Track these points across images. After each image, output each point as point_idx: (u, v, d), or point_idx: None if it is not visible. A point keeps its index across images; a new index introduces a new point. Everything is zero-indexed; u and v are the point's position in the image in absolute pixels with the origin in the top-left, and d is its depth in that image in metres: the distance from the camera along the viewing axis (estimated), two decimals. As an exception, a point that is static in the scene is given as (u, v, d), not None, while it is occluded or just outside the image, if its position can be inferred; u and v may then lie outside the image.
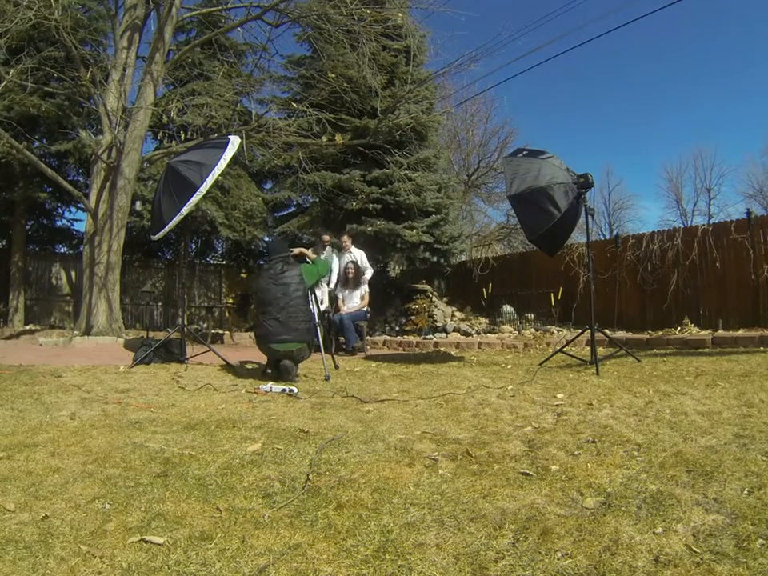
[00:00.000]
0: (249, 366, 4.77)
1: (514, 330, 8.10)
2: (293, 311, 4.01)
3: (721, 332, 6.31)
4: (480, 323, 8.67)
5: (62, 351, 5.88)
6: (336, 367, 4.68)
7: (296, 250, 4.53)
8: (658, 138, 44.35)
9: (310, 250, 4.79)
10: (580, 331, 5.44)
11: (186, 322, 5.23)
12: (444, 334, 8.00)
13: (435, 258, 9.86)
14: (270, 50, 8.76)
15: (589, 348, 4.67)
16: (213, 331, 8.68)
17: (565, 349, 4.93)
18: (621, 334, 6.95)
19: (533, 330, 7.92)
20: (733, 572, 1.14)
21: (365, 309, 6.85)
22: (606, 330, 6.25)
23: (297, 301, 4.04)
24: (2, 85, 6.51)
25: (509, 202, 5.75)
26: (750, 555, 1.20)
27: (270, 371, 4.19)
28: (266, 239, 11.68)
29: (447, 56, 21.57)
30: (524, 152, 4.73)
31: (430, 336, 7.78)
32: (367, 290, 6.96)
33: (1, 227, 10.77)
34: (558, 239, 4.90)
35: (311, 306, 4.21)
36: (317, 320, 4.39)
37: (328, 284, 6.95)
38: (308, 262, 4.49)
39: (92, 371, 4.26)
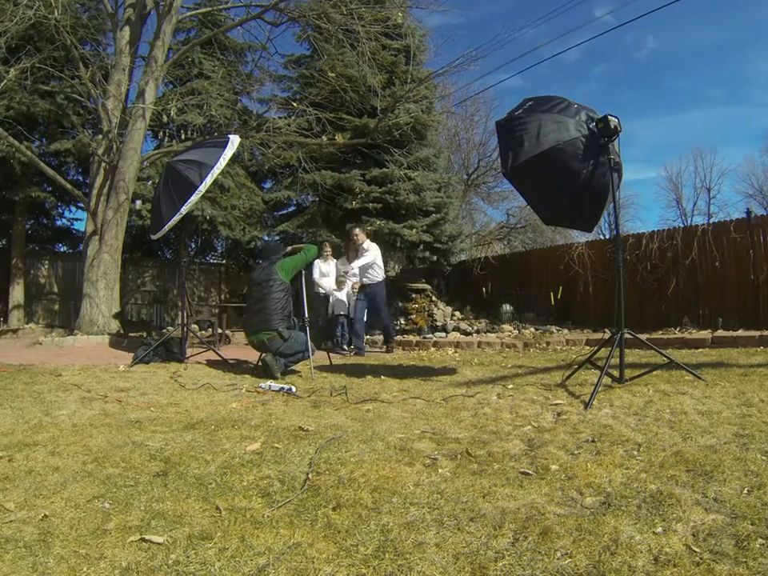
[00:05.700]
0: (248, 365, 4.77)
1: (514, 329, 8.09)
2: (266, 304, 4.28)
3: (720, 332, 6.29)
4: (480, 322, 8.66)
5: (62, 350, 5.88)
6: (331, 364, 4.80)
7: (290, 248, 4.74)
8: (657, 137, 44.36)
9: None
10: (606, 338, 3.78)
11: (185, 321, 5.23)
12: (444, 334, 7.99)
13: (435, 258, 9.86)
14: (269, 49, 8.82)
15: (597, 350, 3.57)
16: (211, 330, 8.68)
17: (582, 356, 3.99)
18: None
19: (533, 330, 7.91)
20: (732, 572, 1.14)
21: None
22: (639, 335, 4.08)
23: (272, 295, 4.29)
24: (2, 84, 6.51)
25: (509, 184, 4.53)
26: (750, 555, 1.20)
27: (260, 363, 4.38)
28: (265, 239, 11.66)
29: (447, 56, 21.57)
30: (529, 102, 3.64)
31: (430, 335, 7.77)
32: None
33: (1, 226, 10.76)
34: (588, 211, 3.72)
35: (289, 302, 4.40)
36: (306, 317, 4.50)
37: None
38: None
39: (92, 370, 4.26)
